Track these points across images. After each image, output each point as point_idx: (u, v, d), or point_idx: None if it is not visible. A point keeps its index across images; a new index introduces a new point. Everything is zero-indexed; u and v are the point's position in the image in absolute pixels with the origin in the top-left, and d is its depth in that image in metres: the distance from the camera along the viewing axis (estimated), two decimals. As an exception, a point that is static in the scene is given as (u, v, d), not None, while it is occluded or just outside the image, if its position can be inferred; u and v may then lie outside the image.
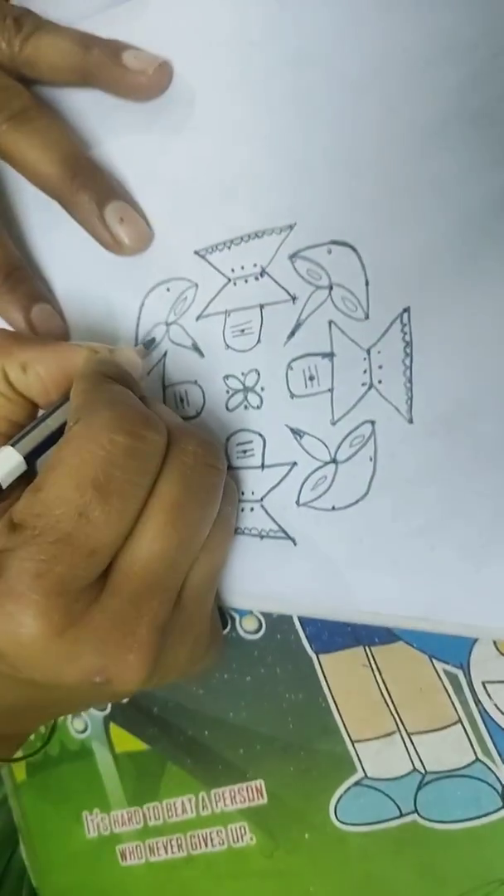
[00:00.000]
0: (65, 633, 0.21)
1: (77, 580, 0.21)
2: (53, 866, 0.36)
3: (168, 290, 0.30)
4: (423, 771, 0.27)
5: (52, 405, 0.25)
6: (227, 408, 0.28)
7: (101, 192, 0.29)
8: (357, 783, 0.28)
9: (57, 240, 0.32)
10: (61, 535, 0.21)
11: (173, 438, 0.23)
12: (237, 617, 0.30)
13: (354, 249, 0.25)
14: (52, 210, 0.30)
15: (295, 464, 0.27)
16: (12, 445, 0.24)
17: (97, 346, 0.26)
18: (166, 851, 0.33)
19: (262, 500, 0.27)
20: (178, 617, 0.24)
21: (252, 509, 0.27)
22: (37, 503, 0.21)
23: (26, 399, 0.26)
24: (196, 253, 0.29)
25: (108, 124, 0.31)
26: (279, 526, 0.27)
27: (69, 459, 0.21)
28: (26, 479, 0.24)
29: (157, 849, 0.33)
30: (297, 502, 0.27)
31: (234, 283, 0.28)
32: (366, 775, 0.28)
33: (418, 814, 0.27)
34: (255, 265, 0.28)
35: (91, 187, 0.29)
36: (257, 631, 0.30)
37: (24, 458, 0.24)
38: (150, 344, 0.29)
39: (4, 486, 0.24)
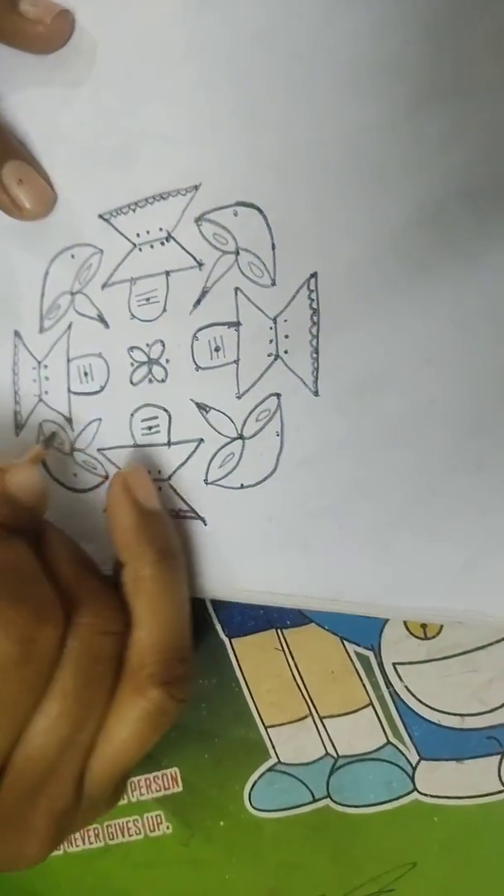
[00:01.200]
0: None
1: None
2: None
3: (73, 256, 0.28)
4: (335, 755, 0.26)
5: None
6: (132, 382, 0.27)
7: (-1, 151, 0.27)
8: (270, 769, 0.27)
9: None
10: None
11: (68, 605, 0.21)
12: (149, 600, 0.29)
13: (260, 211, 0.24)
14: None
15: (202, 440, 0.25)
16: None
17: None
18: (84, 842, 0.32)
19: (169, 478, 0.26)
20: (80, 802, 0.22)
21: (160, 489, 0.26)
22: None
23: None
24: (101, 217, 0.27)
25: (5, 79, 0.28)
26: (189, 506, 0.26)
27: None
28: None
29: (74, 839, 0.32)
30: (206, 480, 0.25)
31: (140, 249, 0.26)
32: (279, 761, 0.27)
33: (331, 798, 0.26)
34: (160, 229, 0.26)
35: (-14, 146, 0.27)
36: (170, 614, 0.29)
37: None
38: (51, 440, 0.27)
39: None
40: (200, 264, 0.25)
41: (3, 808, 0.20)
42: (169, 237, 0.26)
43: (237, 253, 0.25)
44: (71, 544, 0.23)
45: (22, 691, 0.19)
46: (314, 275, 0.23)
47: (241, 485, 0.25)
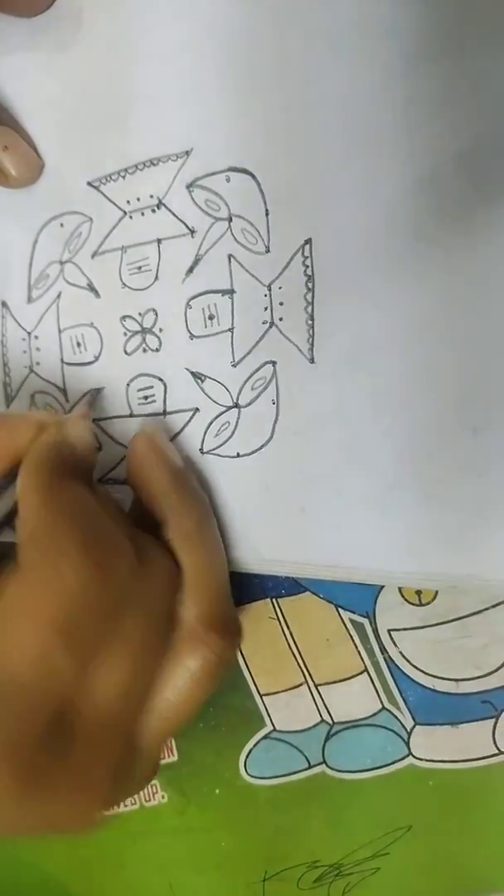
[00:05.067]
0: (25, 793, 0.19)
1: (35, 731, 0.19)
2: (-36, 833, 0.35)
3: (62, 225, 0.27)
4: (330, 722, 0.26)
5: None
6: (126, 351, 0.26)
7: (-17, 118, 0.27)
8: (266, 736, 0.27)
9: None
10: (21, 690, 0.18)
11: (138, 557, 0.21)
12: (143, 572, 0.29)
13: (253, 176, 0.24)
14: None
15: (197, 409, 0.25)
16: None
17: (43, 418, 0.23)
18: (79, 813, 0.32)
19: (163, 448, 0.26)
20: (136, 762, 0.22)
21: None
22: None
23: None
24: (90, 184, 0.27)
25: (-9, 43, 0.28)
26: (183, 475, 0.26)
27: (32, 605, 0.19)
28: None
29: (70, 811, 0.32)
30: (202, 450, 0.25)
31: (131, 217, 0.26)
32: (274, 728, 0.27)
33: (326, 764, 0.27)
34: (151, 196, 0.26)
35: (-29, 111, 0.26)
36: (164, 586, 0.28)
37: None
38: (96, 394, 0.26)
39: None
40: (193, 231, 0.25)
41: (69, 757, 0.20)
42: (160, 204, 0.25)
43: (230, 219, 0.24)
44: (117, 502, 0.23)
45: (95, 629, 0.19)
46: (308, 241, 0.23)
47: (237, 454, 0.25)
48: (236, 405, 0.24)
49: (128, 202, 0.26)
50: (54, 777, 0.20)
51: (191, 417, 0.25)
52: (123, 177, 0.26)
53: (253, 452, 0.24)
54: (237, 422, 0.24)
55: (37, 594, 0.19)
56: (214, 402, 0.25)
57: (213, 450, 0.25)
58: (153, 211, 0.26)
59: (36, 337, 0.28)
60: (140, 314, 0.26)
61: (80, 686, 0.20)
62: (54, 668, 0.19)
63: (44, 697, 0.19)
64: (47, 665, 0.19)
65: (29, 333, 0.28)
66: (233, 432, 0.25)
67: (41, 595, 0.19)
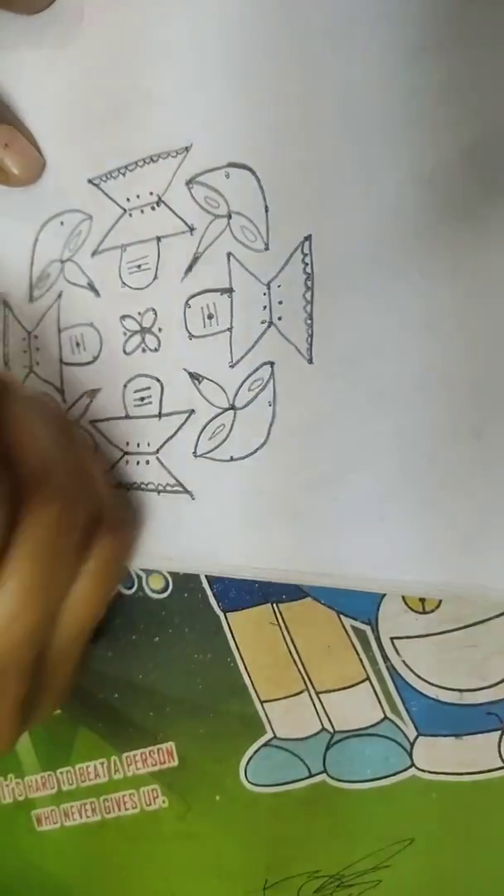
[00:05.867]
0: None
1: None
2: (-31, 833, 0.35)
3: (62, 223, 0.27)
4: (331, 730, 0.26)
5: None
6: (125, 351, 0.26)
7: (-16, 115, 0.26)
8: (266, 744, 0.27)
9: None
10: None
11: (28, 494, 0.19)
12: (143, 575, 0.28)
13: (253, 172, 0.23)
14: None
15: (193, 411, 0.25)
16: None
17: None
18: (80, 815, 0.32)
19: (157, 451, 0.25)
20: (44, 681, 0.22)
21: (148, 462, 0.25)
22: None
23: None
24: (90, 182, 0.26)
25: (-8, 40, 0.28)
26: (176, 479, 0.25)
27: None
28: None
29: (72, 813, 0.32)
30: (195, 453, 0.25)
31: (130, 214, 0.26)
32: (275, 735, 0.27)
33: (327, 774, 0.26)
34: (151, 193, 0.25)
35: (-28, 109, 0.26)
36: (164, 590, 0.28)
37: None
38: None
39: None
40: (192, 229, 0.25)
41: None
42: (160, 201, 0.25)
43: (229, 216, 0.24)
44: (43, 424, 0.22)
45: None
46: (308, 238, 0.23)
47: (231, 457, 0.24)
48: (232, 407, 0.24)
49: (128, 199, 0.26)
50: None
51: (185, 419, 0.25)
52: (124, 174, 0.26)
53: (247, 456, 0.24)
54: (232, 424, 0.24)
55: None
56: (211, 403, 0.24)
57: (207, 453, 0.25)
58: (153, 208, 0.25)
59: (36, 336, 0.28)
60: (139, 313, 0.25)
61: None
62: None
63: None
64: None
65: (29, 333, 0.28)
66: (227, 435, 0.24)
67: None
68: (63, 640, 0.22)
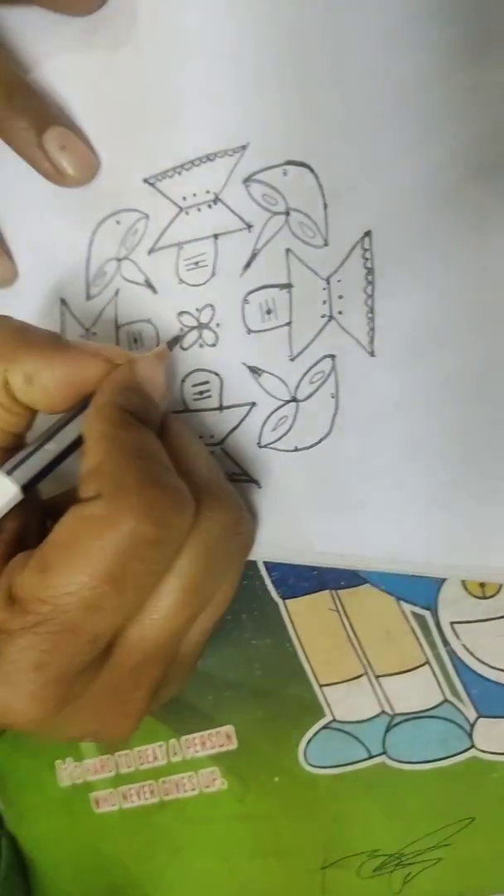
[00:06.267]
0: (59, 714, 0.20)
1: (77, 665, 0.20)
2: (29, 815, 0.36)
3: (118, 222, 0.28)
4: (391, 713, 0.26)
5: (55, 425, 0.22)
6: (182, 347, 0.27)
7: (40, 118, 0.27)
8: (325, 726, 0.28)
9: (-2, 171, 0.30)
10: (66, 625, 0.19)
11: (199, 502, 0.21)
12: (201, 564, 0.29)
13: (311, 169, 0.24)
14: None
15: (254, 404, 0.25)
16: (8, 473, 0.21)
17: (116, 353, 0.22)
18: (139, 798, 0.32)
19: (221, 442, 0.26)
20: (172, 670, 0.23)
21: (213, 453, 0.26)
22: (43, 587, 0.19)
23: (28, 409, 0.23)
24: (146, 181, 0.27)
25: (45, 44, 0.28)
26: (242, 469, 0.26)
27: (85, 545, 0.19)
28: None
29: (131, 795, 0.33)
30: (259, 444, 0.25)
31: (187, 213, 0.26)
32: (334, 718, 0.27)
33: (387, 755, 0.27)
34: (207, 192, 0.26)
35: (28, 113, 0.27)
36: (222, 578, 0.29)
37: (22, 487, 0.21)
38: (174, 342, 0.26)
39: None
40: (249, 226, 0.25)
41: (110, 683, 0.21)
42: (216, 199, 0.26)
43: (287, 213, 0.24)
44: (199, 440, 0.23)
45: (148, 573, 0.19)
46: (368, 233, 0.23)
47: (296, 447, 0.25)
48: (294, 399, 0.25)
49: (184, 198, 0.26)
50: (96, 701, 0.20)
51: (248, 412, 0.26)
52: (179, 173, 0.26)
53: (312, 446, 0.24)
54: (295, 416, 0.25)
55: (92, 534, 0.19)
56: (272, 395, 0.25)
57: (271, 444, 0.25)
58: (209, 206, 0.26)
59: (94, 333, 0.28)
60: (197, 309, 0.26)
61: (129, 624, 0.20)
62: (104, 610, 0.19)
63: (89, 635, 0.19)
64: (96, 607, 0.19)
65: (87, 330, 0.29)
66: (291, 426, 0.25)
67: (96, 536, 0.19)
68: (196, 633, 0.22)
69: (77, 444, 0.22)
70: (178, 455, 0.21)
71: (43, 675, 0.19)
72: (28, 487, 0.21)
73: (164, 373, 0.23)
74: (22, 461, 0.21)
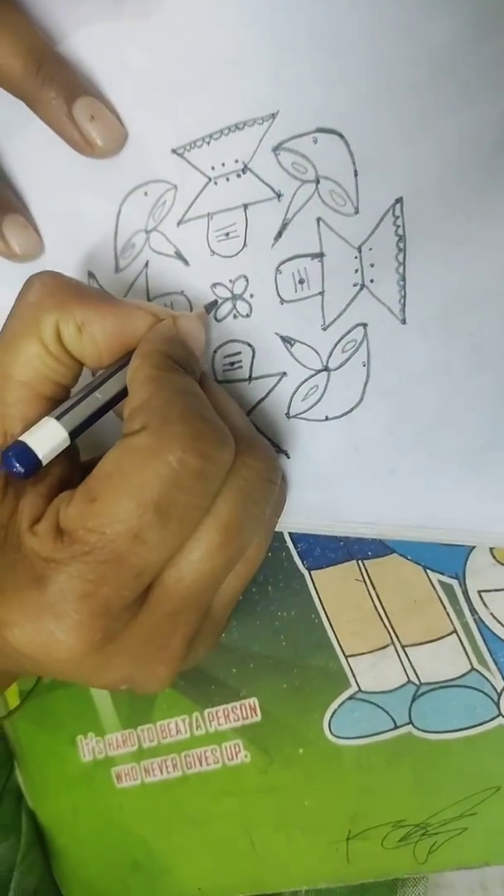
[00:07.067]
0: (101, 651, 0.20)
1: (121, 600, 0.20)
2: (49, 790, 0.36)
3: (146, 194, 0.28)
4: (417, 682, 0.27)
5: (102, 375, 0.22)
6: (216, 318, 0.27)
7: (69, 88, 0.27)
8: (351, 697, 0.28)
9: (25, 144, 0.30)
10: (113, 555, 0.19)
11: (237, 449, 0.21)
12: (227, 536, 0.29)
13: (342, 136, 0.24)
14: (18, 111, 0.28)
15: (285, 374, 0.25)
16: (57, 419, 0.21)
17: (159, 310, 0.23)
18: (161, 772, 0.33)
19: (249, 414, 0.26)
20: (206, 624, 0.23)
21: (240, 423, 0.26)
22: (91, 516, 0.19)
23: (76, 361, 0.23)
24: (174, 152, 0.27)
25: (74, 15, 0.28)
26: (270, 439, 0.26)
27: (132, 474, 0.19)
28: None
29: (153, 770, 0.33)
30: (288, 414, 0.26)
31: (216, 183, 0.26)
32: (360, 689, 0.28)
33: (413, 725, 0.27)
34: (236, 161, 0.26)
35: (58, 82, 0.27)
36: (248, 549, 0.29)
37: (69, 433, 0.22)
38: (212, 307, 0.26)
39: (44, 464, 0.21)
40: (279, 195, 0.25)
41: (148, 626, 0.21)
42: (245, 168, 0.26)
43: (317, 182, 0.24)
44: (233, 400, 0.24)
45: (191, 506, 0.20)
46: (399, 200, 0.23)
47: (326, 417, 0.25)
48: (326, 368, 0.25)
49: (212, 168, 0.26)
50: (135, 643, 0.21)
51: (277, 382, 0.26)
52: (208, 143, 0.26)
53: (343, 415, 0.24)
54: (326, 385, 0.25)
55: (139, 464, 0.19)
56: (303, 365, 0.25)
57: (301, 413, 0.25)
58: (238, 176, 0.26)
59: (123, 306, 0.28)
60: (231, 281, 0.26)
61: (171, 561, 0.21)
62: (148, 541, 0.19)
63: (135, 568, 0.20)
64: (142, 538, 0.19)
65: (115, 302, 0.29)
66: (321, 395, 0.25)
67: (143, 465, 0.19)
68: (231, 586, 0.23)
69: (121, 395, 0.22)
70: (215, 408, 0.22)
71: (88, 605, 0.19)
72: (74, 434, 0.22)
73: (203, 329, 0.23)
74: (70, 408, 0.22)
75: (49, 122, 0.27)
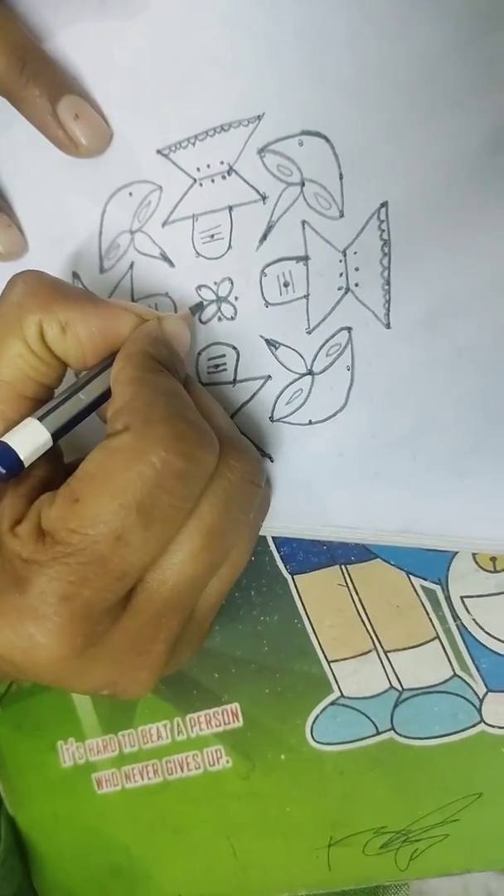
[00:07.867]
0: (82, 655, 0.20)
1: (103, 603, 0.20)
2: (29, 796, 0.36)
3: (130, 194, 0.28)
4: (399, 688, 0.26)
5: (86, 376, 0.22)
6: (201, 320, 0.26)
7: (54, 86, 0.27)
8: (333, 703, 0.28)
9: (9, 143, 0.29)
10: (95, 557, 0.19)
11: (221, 451, 0.21)
12: (210, 540, 0.29)
13: (327, 139, 0.24)
14: (1, 110, 0.27)
15: (269, 377, 0.25)
16: (39, 419, 0.21)
17: (144, 310, 0.23)
18: (142, 778, 0.32)
19: (233, 416, 0.26)
20: (189, 628, 0.23)
21: (223, 426, 0.26)
22: (73, 517, 0.19)
23: (60, 362, 0.23)
24: (159, 152, 0.27)
25: (60, 13, 0.28)
26: (254, 443, 0.26)
27: (114, 475, 0.19)
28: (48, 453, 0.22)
29: (133, 775, 0.33)
30: (272, 418, 0.25)
31: (201, 184, 0.26)
32: (342, 694, 0.27)
33: (395, 731, 0.27)
34: (221, 162, 0.26)
35: (42, 80, 0.26)
36: (231, 554, 0.29)
37: (52, 434, 0.21)
38: (197, 308, 0.26)
39: (26, 465, 0.21)
40: (264, 197, 0.25)
41: (130, 630, 0.21)
42: (231, 170, 0.25)
43: (302, 184, 0.24)
44: (217, 402, 0.24)
45: (174, 508, 0.20)
46: (384, 204, 0.23)
47: (310, 421, 0.25)
48: (310, 372, 0.24)
49: (197, 169, 0.26)
50: (117, 647, 0.21)
51: (261, 385, 0.25)
52: (193, 144, 0.26)
53: (327, 419, 0.24)
54: (311, 389, 0.25)
55: (121, 465, 0.19)
56: (288, 369, 0.25)
57: (285, 417, 0.25)
58: (224, 177, 0.26)
59: (107, 307, 0.28)
60: (216, 283, 0.26)
61: (154, 564, 0.20)
62: (131, 543, 0.19)
63: (117, 570, 0.19)
64: (124, 540, 0.19)
65: (99, 303, 0.28)
66: (305, 399, 0.25)
67: (125, 466, 0.19)
68: (214, 590, 0.23)
69: (105, 397, 0.22)
70: (199, 410, 0.22)
71: (69, 607, 0.19)
72: (57, 435, 0.22)
73: (188, 331, 0.23)
74: (53, 409, 0.22)
75: (33, 121, 0.27)
